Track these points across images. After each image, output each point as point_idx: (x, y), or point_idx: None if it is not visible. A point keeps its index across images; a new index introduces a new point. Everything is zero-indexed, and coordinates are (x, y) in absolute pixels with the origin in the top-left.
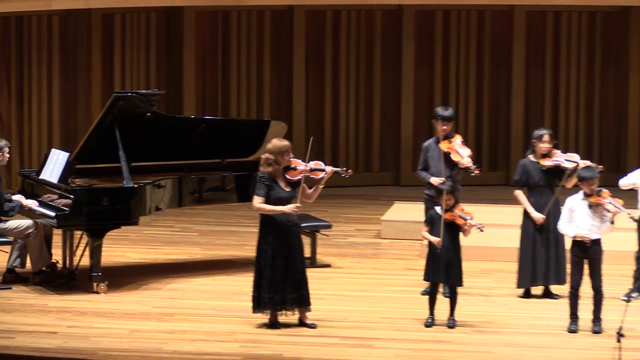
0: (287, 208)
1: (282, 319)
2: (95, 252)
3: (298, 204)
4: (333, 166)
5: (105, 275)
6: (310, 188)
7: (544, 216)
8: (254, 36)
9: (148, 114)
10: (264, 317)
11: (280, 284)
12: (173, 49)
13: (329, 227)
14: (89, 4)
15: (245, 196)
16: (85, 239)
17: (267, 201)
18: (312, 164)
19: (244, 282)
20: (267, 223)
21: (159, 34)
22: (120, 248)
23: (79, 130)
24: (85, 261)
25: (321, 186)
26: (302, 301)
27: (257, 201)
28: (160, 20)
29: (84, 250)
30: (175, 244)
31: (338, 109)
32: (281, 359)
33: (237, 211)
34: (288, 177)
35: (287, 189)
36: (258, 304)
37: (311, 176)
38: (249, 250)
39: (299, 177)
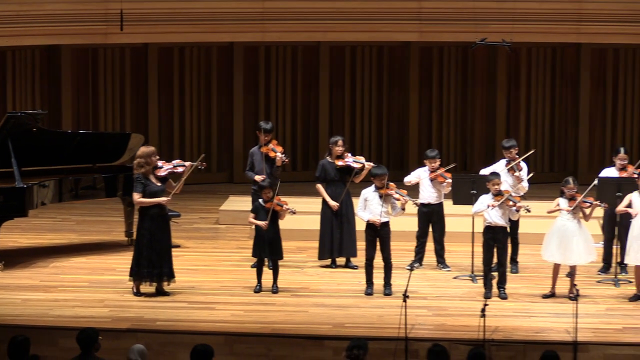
0: (162, 200)
1: (142, 288)
2: None
3: (169, 198)
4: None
5: (2, 257)
6: (175, 182)
7: (338, 204)
8: (118, 67)
9: (34, 129)
10: (127, 288)
11: (157, 261)
12: (53, 78)
13: (178, 216)
14: None
15: (112, 193)
16: None
17: (144, 195)
18: (175, 162)
19: (112, 260)
20: (145, 213)
21: (42, 66)
22: (14, 235)
23: None
24: None
25: (184, 178)
26: (171, 274)
27: (137, 197)
28: (43, 56)
29: None
30: (57, 231)
31: (184, 124)
32: (142, 320)
33: (106, 204)
34: (157, 174)
35: (159, 184)
36: (138, 276)
37: (175, 171)
38: (116, 235)
39: (166, 173)
